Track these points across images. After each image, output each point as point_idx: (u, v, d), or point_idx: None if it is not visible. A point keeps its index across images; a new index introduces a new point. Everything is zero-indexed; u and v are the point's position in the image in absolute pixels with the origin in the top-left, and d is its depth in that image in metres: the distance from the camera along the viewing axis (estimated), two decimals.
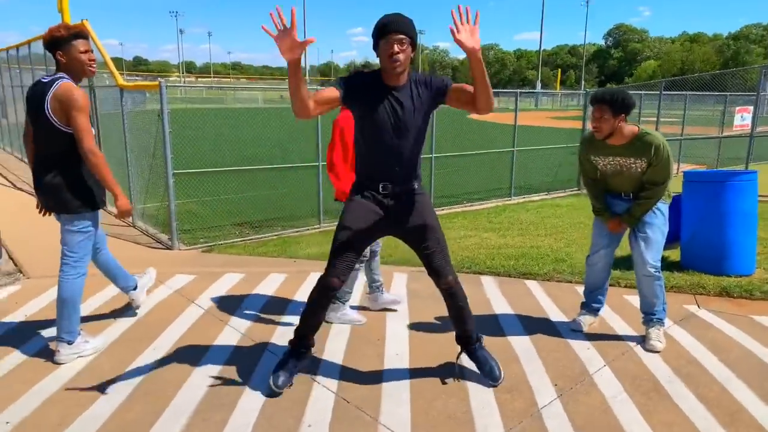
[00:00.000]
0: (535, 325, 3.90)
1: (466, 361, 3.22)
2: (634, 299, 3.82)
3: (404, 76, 2.73)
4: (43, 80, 3.15)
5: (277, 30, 2.34)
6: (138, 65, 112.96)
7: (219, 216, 7.57)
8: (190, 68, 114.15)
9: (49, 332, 3.66)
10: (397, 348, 3.52)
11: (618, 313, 4.12)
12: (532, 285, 4.75)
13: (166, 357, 3.37)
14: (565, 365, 3.33)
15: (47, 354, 3.38)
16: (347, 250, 2.86)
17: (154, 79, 6.03)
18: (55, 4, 7.24)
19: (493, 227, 7.15)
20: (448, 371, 3.21)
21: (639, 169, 3.46)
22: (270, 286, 4.65)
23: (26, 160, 12.63)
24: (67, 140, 3.09)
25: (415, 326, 3.86)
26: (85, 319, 3.90)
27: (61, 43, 3.12)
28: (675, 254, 5.34)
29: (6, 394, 2.93)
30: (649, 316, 3.64)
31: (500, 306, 4.27)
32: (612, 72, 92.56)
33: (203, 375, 3.16)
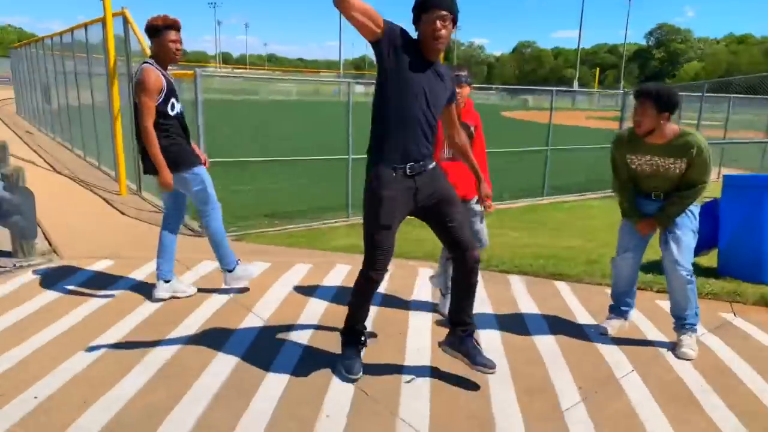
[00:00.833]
0: (561, 327, 3.81)
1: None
2: (666, 304, 3.70)
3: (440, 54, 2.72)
4: (138, 65, 3.71)
5: None
6: None
7: (249, 206, 7.64)
8: (226, 59, 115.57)
9: (77, 312, 3.75)
10: (419, 343, 3.48)
11: (649, 317, 4.00)
12: (561, 286, 4.65)
13: (189, 342, 3.40)
14: (591, 368, 3.24)
15: (75, 332, 3.45)
16: (384, 247, 2.79)
17: (191, 69, 6.13)
18: None
19: (523, 226, 7.03)
20: (470, 369, 3.16)
21: (678, 170, 3.35)
22: (295, 275, 4.66)
23: (66, 145, 12.87)
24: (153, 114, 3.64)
25: (438, 322, 3.81)
26: (112, 304, 3.98)
27: (156, 31, 3.64)
28: (712, 260, 5.16)
29: (34, 370, 3.00)
30: (681, 321, 3.52)
31: (527, 305, 4.19)
32: (653, 72, 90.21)
33: (225, 361, 3.18)
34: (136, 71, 3.68)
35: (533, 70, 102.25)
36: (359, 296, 2.98)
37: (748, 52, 75.33)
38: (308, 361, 3.20)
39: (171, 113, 3.72)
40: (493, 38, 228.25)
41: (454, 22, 2.61)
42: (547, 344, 3.54)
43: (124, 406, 2.71)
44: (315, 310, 3.95)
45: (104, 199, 7.64)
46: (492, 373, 2.98)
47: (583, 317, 4.00)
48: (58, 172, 9.62)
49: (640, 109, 3.29)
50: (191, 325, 3.63)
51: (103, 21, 7.79)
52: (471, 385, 3.00)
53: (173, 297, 4.02)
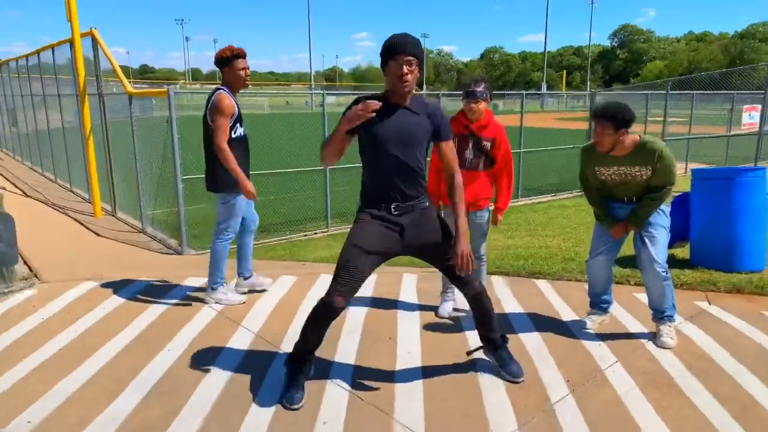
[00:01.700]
0: (546, 324, 3.92)
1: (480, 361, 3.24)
2: (644, 297, 3.83)
3: (410, 96, 2.81)
4: (212, 92, 4.02)
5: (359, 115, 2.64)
6: (144, 73, 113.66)
7: None
8: (196, 75, 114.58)
9: (66, 334, 3.72)
10: (409, 347, 3.55)
11: (628, 310, 4.13)
12: (542, 284, 4.76)
13: (181, 357, 3.41)
14: (577, 362, 3.35)
15: (65, 354, 3.43)
16: (355, 270, 2.75)
17: (161, 86, 6.14)
18: (64, 14, 7.33)
19: (501, 228, 7.16)
20: (460, 369, 3.24)
21: (644, 177, 3.47)
22: (281, 288, 4.69)
23: (36, 168, 12.65)
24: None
25: (426, 326, 3.88)
26: (99, 325, 3.96)
27: (226, 61, 3.96)
28: (684, 252, 5.35)
29: (26, 394, 2.98)
30: (659, 313, 3.65)
31: (511, 305, 4.29)
32: (618, 72, 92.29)
33: (218, 375, 3.20)
34: (210, 96, 3.99)
35: (502, 75, 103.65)
36: (312, 321, 2.87)
37: (707, 50, 77.60)
38: None
39: (233, 136, 3.99)
40: (461, 45, 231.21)
41: (420, 66, 2.76)
42: (533, 341, 3.63)
43: (121, 424, 2.71)
44: (303, 321, 3.97)
45: (78, 221, 7.55)
46: (517, 383, 3.08)
47: (565, 313, 4.11)
48: (30, 197, 9.46)
49: (598, 129, 3.40)
50: (182, 341, 3.64)
51: (71, 42, 7.73)
52: (463, 385, 3.07)
53: (153, 318, 4.03)
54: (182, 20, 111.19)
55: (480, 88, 3.70)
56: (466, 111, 3.77)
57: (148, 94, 7.85)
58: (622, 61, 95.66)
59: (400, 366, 3.31)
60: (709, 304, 4.25)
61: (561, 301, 4.36)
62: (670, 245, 3.98)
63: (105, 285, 4.71)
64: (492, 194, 3.98)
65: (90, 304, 4.30)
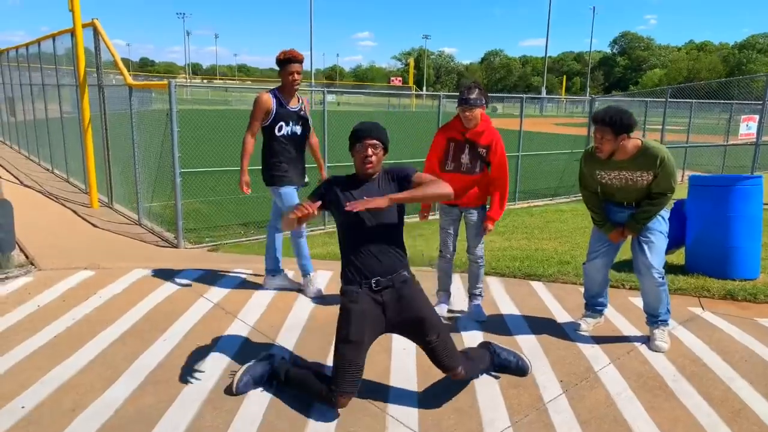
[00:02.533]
0: (540, 325, 3.94)
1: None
2: (639, 300, 3.86)
3: (376, 174, 2.92)
4: None
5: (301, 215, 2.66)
6: (144, 66, 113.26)
7: (224, 216, 7.63)
8: (196, 70, 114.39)
9: (61, 321, 3.73)
10: (405, 343, 3.55)
11: (623, 313, 4.15)
12: (537, 286, 4.79)
13: (177, 348, 3.42)
14: (571, 363, 3.37)
15: (60, 341, 3.44)
16: (355, 368, 2.75)
17: (161, 80, 6.11)
18: (65, 4, 7.32)
19: (498, 230, 7.18)
20: None
21: (646, 182, 3.46)
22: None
23: (33, 158, 12.66)
24: (263, 133, 4.24)
25: None
26: (96, 313, 3.96)
27: (279, 64, 4.19)
28: (680, 258, 5.37)
29: (21, 379, 2.98)
30: (654, 318, 3.67)
31: (506, 306, 4.31)
32: (617, 79, 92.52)
33: (214, 365, 3.21)
34: None
35: (502, 78, 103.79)
36: (309, 393, 2.86)
37: (707, 59, 77.86)
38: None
39: (277, 134, 4.20)
40: (463, 47, 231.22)
41: (385, 149, 2.91)
42: (528, 342, 3.65)
43: (114, 412, 2.72)
44: (299, 314, 4.00)
45: (75, 212, 7.54)
46: (526, 375, 3.19)
47: (560, 315, 4.13)
48: (28, 186, 9.45)
49: (598, 135, 3.39)
50: (178, 331, 3.64)
51: (72, 32, 7.73)
52: (457, 382, 3.08)
53: (148, 309, 4.04)
54: (184, 14, 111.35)
55: (474, 96, 3.68)
56: (462, 119, 3.78)
57: (149, 86, 7.86)
58: (622, 68, 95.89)
59: (394, 361, 3.32)
60: (703, 309, 4.28)
61: (556, 302, 4.38)
62: (666, 251, 4.00)
63: (101, 274, 4.71)
64: (487, 197, 3.98)
65: (86, 292, 4.29)
